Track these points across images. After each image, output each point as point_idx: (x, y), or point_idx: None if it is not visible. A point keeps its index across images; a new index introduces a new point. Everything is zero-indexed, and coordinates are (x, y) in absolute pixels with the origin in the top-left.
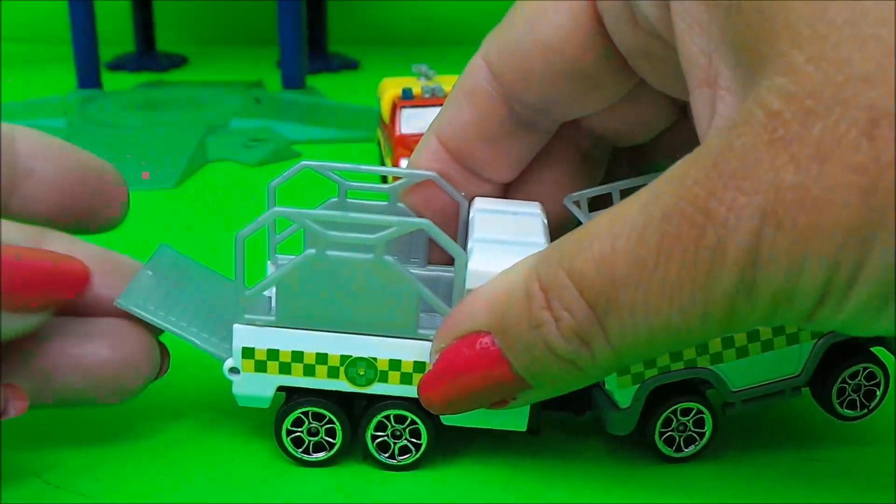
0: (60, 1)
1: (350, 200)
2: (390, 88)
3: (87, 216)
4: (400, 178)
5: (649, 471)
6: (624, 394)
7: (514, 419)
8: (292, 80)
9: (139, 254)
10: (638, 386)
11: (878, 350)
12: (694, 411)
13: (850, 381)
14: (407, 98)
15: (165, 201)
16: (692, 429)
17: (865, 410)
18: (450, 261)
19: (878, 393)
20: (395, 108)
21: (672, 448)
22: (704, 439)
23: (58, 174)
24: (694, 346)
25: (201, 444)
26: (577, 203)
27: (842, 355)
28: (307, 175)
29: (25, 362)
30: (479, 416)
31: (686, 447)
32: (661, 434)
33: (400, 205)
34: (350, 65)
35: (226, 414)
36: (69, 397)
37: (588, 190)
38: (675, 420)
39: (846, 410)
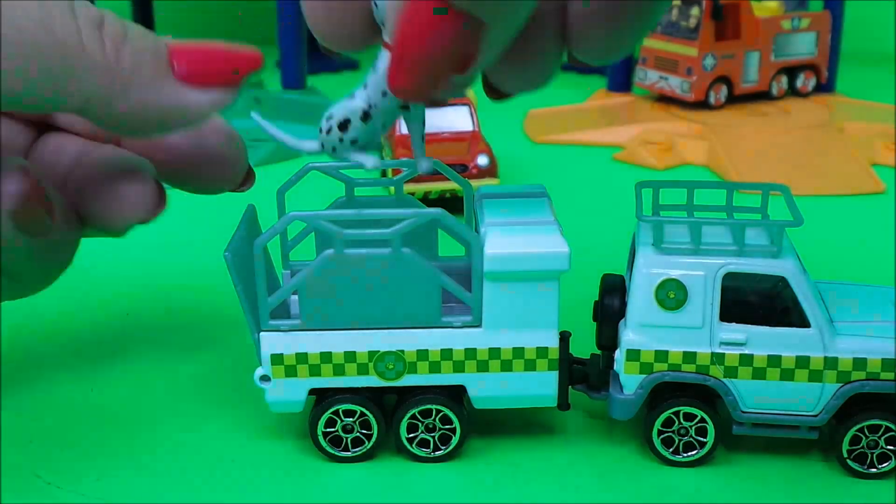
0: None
1: (358, 198)
2: None
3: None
4: (402, 170)
5: (648, 474)
6: (630, 380)
7: (545, 397)
8: (292, 80)
9: (137, 255)
10: (645, 376)
11: None
12: (698, 419)
13: (867, 435)
14: None
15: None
16: (693, 436)
17: (874, 470)
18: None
19: (893, 459)
20: None
21: (669, 450)
22: (705, 449)
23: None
24: None
25: (202, 443)
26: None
27: (866, 405)
28: (310, 176)
29: None
30: (512, 396)
31: (685, 453)
32: (661, 433)
33: (407, 196)
34: (350, 65)
35: (229, 413)
36: None
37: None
38: (677, 422)
39: (853, 462)
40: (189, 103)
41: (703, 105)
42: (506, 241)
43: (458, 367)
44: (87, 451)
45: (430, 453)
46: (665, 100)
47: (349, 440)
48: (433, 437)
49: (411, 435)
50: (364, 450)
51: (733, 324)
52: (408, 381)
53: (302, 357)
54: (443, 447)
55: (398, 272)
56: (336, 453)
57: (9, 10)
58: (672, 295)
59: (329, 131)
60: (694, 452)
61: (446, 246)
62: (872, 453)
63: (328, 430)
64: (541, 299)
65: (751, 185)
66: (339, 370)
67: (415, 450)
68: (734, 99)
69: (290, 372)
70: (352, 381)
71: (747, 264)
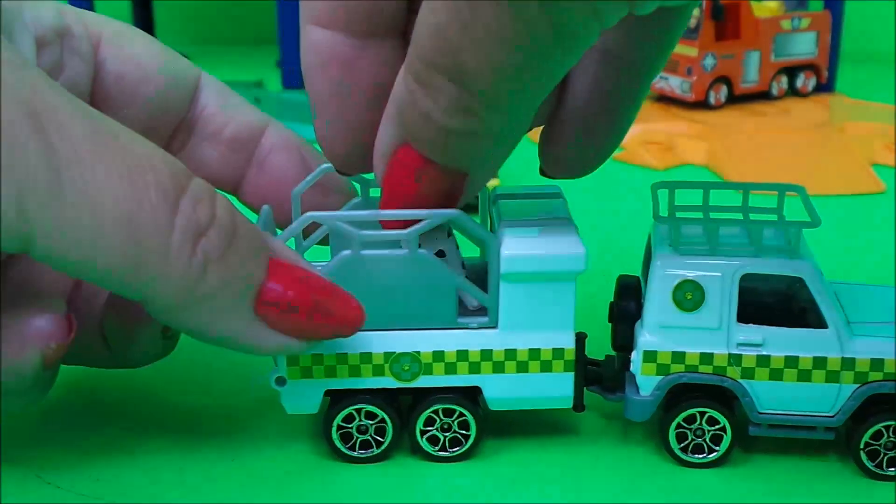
0: (61, 1)
1: (374, 198)
2: None
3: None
4: None
5: (664, 476)
6: (647, 381)
7: (560, 398)
8: (292, 80)
9: None
10: (662, 377)
11: None
12: (714, 420)
13: (885, 435)
14: None
15: None
16: (709, 437)
17: (891, 471)
18: None
19: None
20: None
21: (685, 451)
22: (721, 450)
23: (287, 170)
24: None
25: (208, 443)
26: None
27: (883, 406)
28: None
29: None
30: (527, 398)
31: (701, 454)
32: (677, 434)
33: None
34: None
35: (243, 415)
36: None
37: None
38: (693, 423)
39: (869, 462)
40: (256, 342)
41: (703, 105)
42: (522, 241)
43: (474, 369)
44: (87, 451)
45: (444, 454)
46: (665, 100)
47: (363, 442)
48: (447, 436)
49: (426, 436)
50: (378, 451)
51: (750, 325)
52: (423, 382)
53: (318, 358)
54: (457, 448)
55: (414, 273)
56: (351, 454)
57: (93, 186)
58: (689, 296)
59: None
60: (710, 454)
61: (462, 247)
62: (890, 454)
63: (343, 431)
64: (557, 300)
65: (766, 186)
66: (354, 371)
67: (430, 450)
68: (734, 99)
69: (306, 373)
70: (367, 382)
71: (764, 265)
